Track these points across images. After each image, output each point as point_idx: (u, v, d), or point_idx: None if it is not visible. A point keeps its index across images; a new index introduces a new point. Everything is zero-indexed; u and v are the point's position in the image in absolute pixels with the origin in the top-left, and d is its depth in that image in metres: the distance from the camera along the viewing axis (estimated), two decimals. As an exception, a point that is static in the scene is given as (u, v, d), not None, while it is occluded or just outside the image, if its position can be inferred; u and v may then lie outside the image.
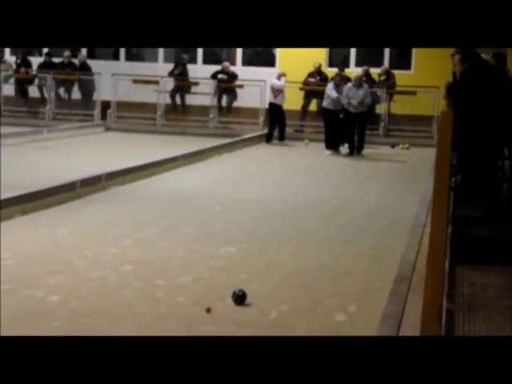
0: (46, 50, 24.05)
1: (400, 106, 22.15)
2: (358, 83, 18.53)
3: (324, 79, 22.36)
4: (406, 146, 20.76)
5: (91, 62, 23.94)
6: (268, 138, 20.78)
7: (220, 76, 22.97)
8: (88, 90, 23.38)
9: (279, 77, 20.59)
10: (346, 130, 18.83)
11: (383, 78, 22.52)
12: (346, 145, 19.01)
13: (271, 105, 20.63)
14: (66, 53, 23.59)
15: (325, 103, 19.25)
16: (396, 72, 22.73)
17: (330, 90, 19.03)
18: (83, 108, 23.33)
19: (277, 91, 20.48)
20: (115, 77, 22.90)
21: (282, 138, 20.73)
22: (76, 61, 23.77)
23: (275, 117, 20.62)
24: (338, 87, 18.98)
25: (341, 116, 18.68)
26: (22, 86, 24.01)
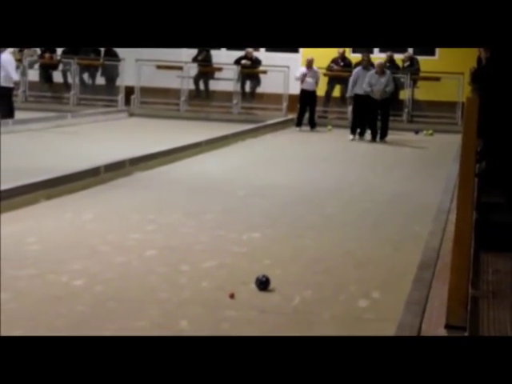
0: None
1: (424, 92, 22.06)
2: (381, 70, 18.46)
3: (348, 65, 22.30)
4: (430, 132, 20.66)
5: (115, 48, 23.98)
6: (297, 123, 20.71)
7: (243, 62, 22.96)
8: (112, 75, 23.44)
9: None
10: (369, 116, 18.80)
11: (407, 64, 22.41)
12: (369, 130, 18.98)
13: (300, 90, 20.58)
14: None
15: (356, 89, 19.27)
16: (420, 58, 22.62)
17: (355, 75, 19.21)
18: (107, 93, 23.39)
19: (303, 76, 20.44)
20: (139, 62, 22.94)
21: (311, 124, 20.59)
22: (101, 46, 23.82)
23: (303, 102, 20.53)
24: (366, 70, 19.06)
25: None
26: (46, 71, 24.12)
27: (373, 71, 18.61)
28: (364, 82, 18.58)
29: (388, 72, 18.81)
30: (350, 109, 20.82)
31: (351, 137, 19.01)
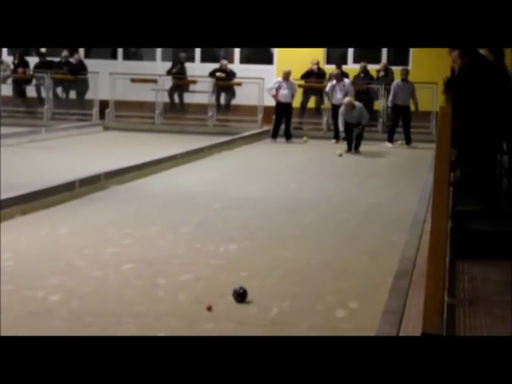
0: (42, 50, 24.05)
1: (398, 102, 22.15)
2: (351, 107, 18.43)
3: (322, 76, 22.35)
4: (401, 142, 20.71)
5: (89, 62, 23.92)
6: (272, 135, 20.70)
7: (218, 74, 22.96)
8: (81, 89, 23.36)
9: None
10: (344, 131, 18.82)
11: (382, 74, 22.49)
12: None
13: (276, 102, 20.62)
14: (64, 52, 23.54)
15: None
16: (394, 68, 22.71)
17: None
18: (81, 107, 23.31)
19: (277, 85, 20.50)
20: (113, 76, 22.89)
21: (286, 136, 20.61)
22: (73, 60, 23.71)
23: (279, 114, 20.56)
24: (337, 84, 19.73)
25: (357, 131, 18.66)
26: (19, 86, 23.99)
27: (343, 108, 18.60)
28: (339, 120, 18.83)
29: (357, 105, 18.72)
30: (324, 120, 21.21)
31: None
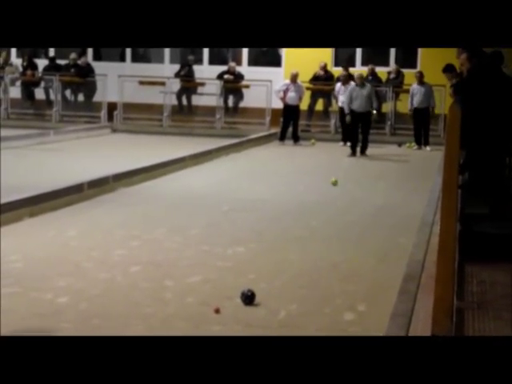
0: (51, 54, 24.07)
1: (406, 104, 22.09)
2: (361, 82, 18.30)
3: (330, 78, 22.35)
4: (413, 144, 20.72)
5: (97, 64, 23.96)
6: (280, 137, 20.70)
7: (226, 76, 22.98)
8: (89, 92, 23.39)
9: None
10: (349, 129, 18.76)
11: (393, 76, 22.48)
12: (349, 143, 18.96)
13: (284, 104, 20.61)
14: (72, 55, 23.56)
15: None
16: (403, 70, 22.70)
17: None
18: (90, 110, 23.34)
19: (285, 87, 20.50)
20: (121, 78, 22.92)
21: (294, 138, 20.60)
22: (80, 62, 23.74)
23: (287, 116, 20.57)
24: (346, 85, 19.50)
25: (347, 120, 18.47)
26: (28, 88, 24.03)
27: (353, 84, 18.54)
28: (344, 96, 18.71)
29: (368, 84, 18.72)
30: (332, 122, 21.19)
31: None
